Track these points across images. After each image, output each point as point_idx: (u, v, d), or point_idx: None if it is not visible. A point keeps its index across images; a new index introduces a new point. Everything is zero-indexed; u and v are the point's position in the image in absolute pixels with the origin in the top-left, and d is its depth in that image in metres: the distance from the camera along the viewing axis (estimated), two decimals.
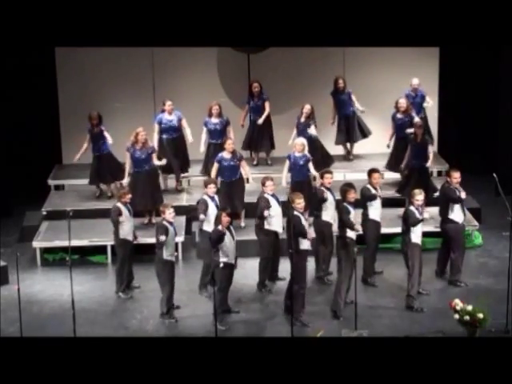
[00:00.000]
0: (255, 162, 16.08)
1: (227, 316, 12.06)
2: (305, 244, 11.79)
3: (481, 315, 10.98)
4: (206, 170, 15.14)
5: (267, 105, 15.61)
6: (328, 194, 12.90)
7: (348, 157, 16.39)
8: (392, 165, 15.28)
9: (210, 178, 13.64)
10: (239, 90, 16.69)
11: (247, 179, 14.26)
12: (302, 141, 14.14)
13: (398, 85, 15.99)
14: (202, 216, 12.48)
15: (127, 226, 12.78)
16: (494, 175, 12.03)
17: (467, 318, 11.02)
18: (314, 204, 13.03)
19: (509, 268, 11.46)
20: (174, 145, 15.16)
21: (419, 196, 12.20)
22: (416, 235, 12.17)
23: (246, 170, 14.25)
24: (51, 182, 16.03)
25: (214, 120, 15.02)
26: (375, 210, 12.94)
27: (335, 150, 16.08)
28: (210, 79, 16.76)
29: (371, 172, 13.05)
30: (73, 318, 10.92)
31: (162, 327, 11.97)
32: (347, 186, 12.30)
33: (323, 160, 15.10)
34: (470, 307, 11.09)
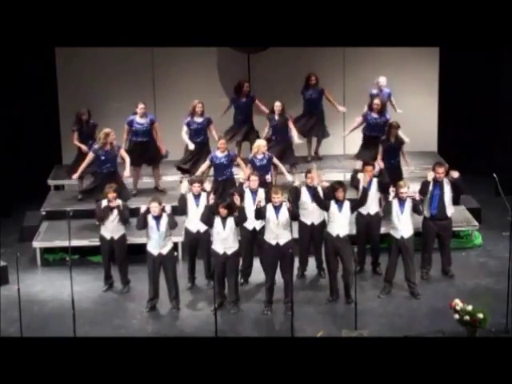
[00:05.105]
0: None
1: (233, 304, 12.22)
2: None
3: (481, 315, 10.97)
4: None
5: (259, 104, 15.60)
6: (306, 193, 12.72)
7: (310, 156, 16.21)
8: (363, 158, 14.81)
9: (196, 176, 13.49)
10: None
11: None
12: (256, 143, 14.01)
13: (398, 85, 16.00)
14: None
15: (109, 224, 12.72)
16: (494, 175, 12.02)
17: (467, 318, 11.01)
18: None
19: (509, 268, 11.45)
20: (141, 148, 14.96)
21: (404, 188, 12.31)
22: (395, 230, 12.36)
23: (242, 166, 14.11)
24: (51, 182, 16.01)
25: (198, 119, 14.92)
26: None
27: (332, 150, 16.18)
28: (210, 79, 16.76)
29: (364, 166, 13.13)
30: (73, 318, 10.93)
31: (161, 327, 11.96)
32: (337, 184, 12.32)
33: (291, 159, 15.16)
34: (470, 307, 11.08)
